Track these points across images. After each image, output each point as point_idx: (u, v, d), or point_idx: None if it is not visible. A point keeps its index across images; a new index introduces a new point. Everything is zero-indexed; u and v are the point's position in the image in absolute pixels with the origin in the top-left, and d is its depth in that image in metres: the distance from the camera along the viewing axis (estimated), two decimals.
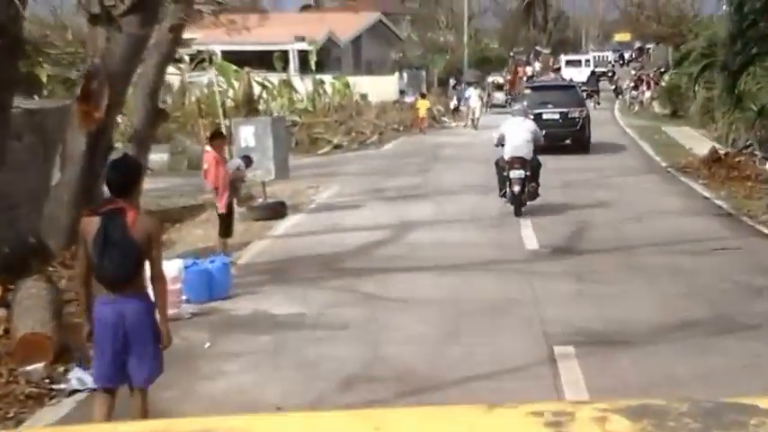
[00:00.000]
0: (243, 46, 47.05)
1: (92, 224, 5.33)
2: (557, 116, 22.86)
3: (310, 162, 23.27)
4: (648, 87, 39.76)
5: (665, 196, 16.62)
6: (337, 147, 26.79)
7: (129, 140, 14.01)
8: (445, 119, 34.76)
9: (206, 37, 46.72)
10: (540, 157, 14.86)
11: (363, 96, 37.26)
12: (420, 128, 31.92)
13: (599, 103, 40.59)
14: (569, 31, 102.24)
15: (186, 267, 9.20)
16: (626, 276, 10.30)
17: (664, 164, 21.30)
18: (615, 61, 75.60)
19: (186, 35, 46.94)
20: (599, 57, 70.48)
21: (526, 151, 14.38)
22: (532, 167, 14.43)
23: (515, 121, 14.94)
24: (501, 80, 44.33)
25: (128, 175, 5.57)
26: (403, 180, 19.14)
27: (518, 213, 14.23)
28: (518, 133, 14.47)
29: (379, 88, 39.73)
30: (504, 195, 14.65)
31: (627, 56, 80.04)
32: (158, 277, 5.44)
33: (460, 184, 18.20)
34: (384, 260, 11.33)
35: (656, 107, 37.93)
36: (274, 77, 34.54)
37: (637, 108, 39.04)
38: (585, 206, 15.19)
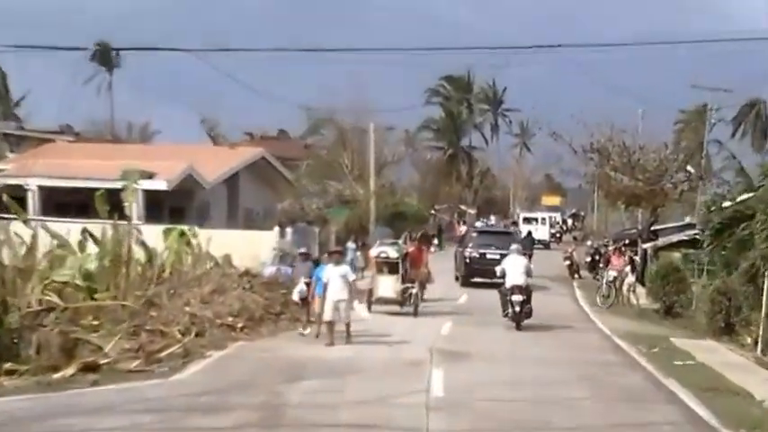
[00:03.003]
0: (69, 182, 34.43)
1: None
2: (497, 257, 25.85)
3: None
4: (633, 269, 27.04)
5: None
6: (92, 368, 13.10)
7: None
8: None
9: (20, 170, 34.21)
10: None
11: (224, 259, 24.50)
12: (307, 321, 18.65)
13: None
14: (496, 190, 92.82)
15: None
16: None
17: None
18: (561, 225, 66.06)
19: None
20: (552, 218, 63.04)
21: (522, 281, 20.27)
22: (528, 293, 20.41)
23: (512, 257, 20.90)
24: (394, 254, 22.90)
25: None
26: None
27: (519, 328, 19.99)
28: (516, 267, 20.44)
29: (254, 247, 27.28)
30: (506, 315, 20.28)
31: (570, 222, 70.42)
32: None
33: None
34: None
35: (642, 299, 25.60)
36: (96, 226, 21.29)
37: (612, 300, 25.82)
38: None
